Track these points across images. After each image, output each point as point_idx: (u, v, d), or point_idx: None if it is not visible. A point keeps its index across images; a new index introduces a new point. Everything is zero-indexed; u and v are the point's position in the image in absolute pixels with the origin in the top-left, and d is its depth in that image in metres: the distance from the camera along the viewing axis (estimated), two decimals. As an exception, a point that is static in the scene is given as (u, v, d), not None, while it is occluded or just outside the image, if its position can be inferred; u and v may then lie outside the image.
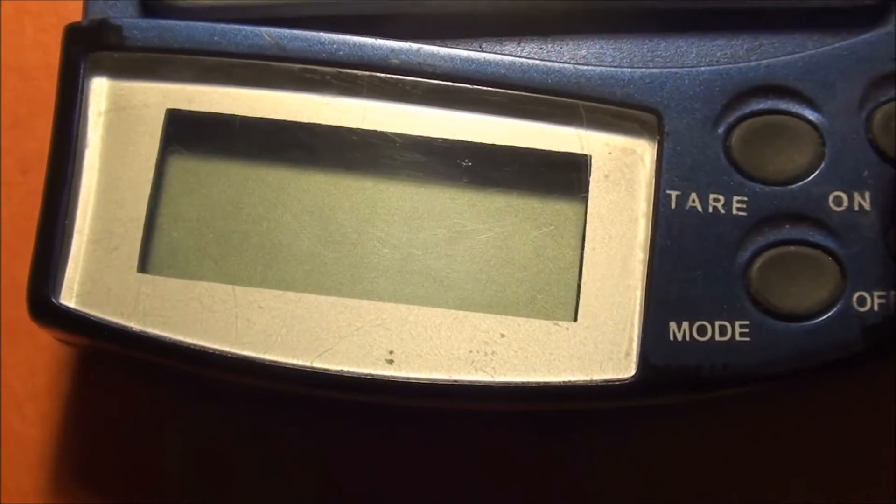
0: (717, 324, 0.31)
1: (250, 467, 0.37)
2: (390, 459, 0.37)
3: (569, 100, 0.33)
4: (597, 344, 0.32)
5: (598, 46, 0.34)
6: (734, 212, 0.32)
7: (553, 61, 0.33)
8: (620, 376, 0.31)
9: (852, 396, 0.36)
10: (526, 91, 0.33)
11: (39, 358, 0.38)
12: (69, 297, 0.32)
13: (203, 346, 0.32)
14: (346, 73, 0.33)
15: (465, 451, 0.37)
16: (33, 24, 0.41)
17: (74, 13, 0.35)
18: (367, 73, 0.33)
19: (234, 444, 0.37)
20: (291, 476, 0.37)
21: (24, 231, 0.37)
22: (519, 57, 0.33)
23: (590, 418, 0.36)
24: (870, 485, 0.36)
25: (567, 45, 0.35)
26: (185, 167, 0.33)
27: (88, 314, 0.32)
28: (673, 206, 0.32)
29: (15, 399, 0.38)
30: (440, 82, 0.33)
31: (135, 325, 0.32)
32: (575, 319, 0.32)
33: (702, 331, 0.31)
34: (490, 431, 0.37)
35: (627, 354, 0.32)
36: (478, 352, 0.32)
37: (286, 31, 0.33)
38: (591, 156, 0.33)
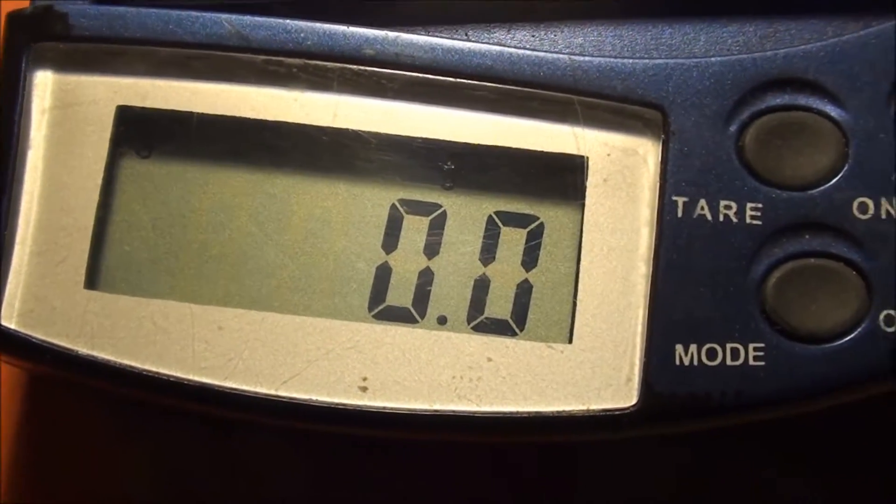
0: (729, 346, 0.29)
1: (211, 493, 0.35)
2: (366, 483, 0.35)
3: (563, 95, 0.30)
4: (594, 369, 0.30)
5: (595, 34, 0.32)
6: (748, 220, 0.30)
7: (546, 52, 0.31)
8: (621, 405, 0.29)
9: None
10: (516, 85, 0.30)
11: (-14, 378, 0.36)
12: (9, 316, 0.30)
13: (156, 372, 0.30)
14: (315, 66, 0.31)
15: (448, 476, 0.35)
16: (-20, 8, 0.38)
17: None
18: (339, 64, 0.31)
19: (193, 468, 0.35)
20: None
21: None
22: (508, 47, 0.31)
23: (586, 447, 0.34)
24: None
25: (562, 32, 0.32)
26: (137, 170, 0.31)
27: (30, 336, 0.30)
28: (679, 213, 0.30)
29: (-39, 421, 0.36)
30: (420, 75, 0.30)
31: (81, 349, 0.30)
32: (570, 341, 0.30)
33: (711, 354, 0.29)
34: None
35: (629, 380, 0.29)
36: (461, 378, 0.30)
37: (249, 19, 0.31)
38: (588, 157, 0.31)
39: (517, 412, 0.29)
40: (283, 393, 0.29)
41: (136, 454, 0.35)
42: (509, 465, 0.35)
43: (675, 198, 0.30)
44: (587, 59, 0.30)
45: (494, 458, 0.35)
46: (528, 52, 0.30)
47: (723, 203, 0.30)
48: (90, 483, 0.35)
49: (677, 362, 0.29)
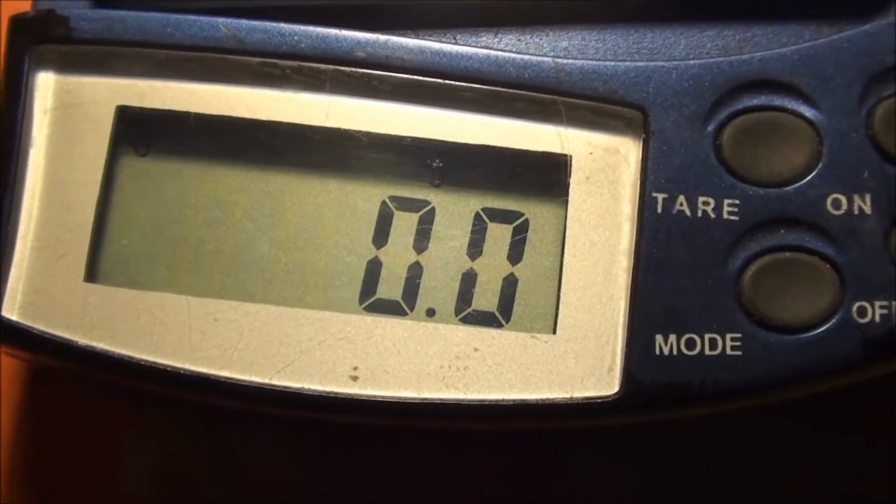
0: (707, 336, 0.30)
1: (211, 483, 0.36)
2: (362, 474, 0.36)
3: (548, 96, 0.31)
4: (577, 358, 0.30)
5: (580, 38, 0.33)
6: (725, 216, 0.30)
7: (531, 55, 0.31)
8: (603, 393, 0.30)
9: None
10: (502, 86, 0.31)
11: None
12: (11, 308, 0.31)
13: (154, 362, 0.30)
14: (309, 67, 0.31)
15: (442, 467, 0.35)
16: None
17: (26, 3, 0.33)
18: (331, 66, 0.31)
19: (194, 459, 0.36)
20: (256, 494, 0.35)
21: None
22: (495, 50, 0.31)
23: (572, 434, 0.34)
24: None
25: (547, 36, 0.33)
26: (136, 168, 0.32)
27: (31, 327, 0.30)
28: (659, 209, 0.30)
29: (-38, 414, 0.36)
30: (410, 77, 0.31)
31: (81, 339, 0.30)
32: (554, 332, 0.30)
33: (690, 344, 0.30)
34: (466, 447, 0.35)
35: (610, 370, 0.30)
36: (449, 367, 0.30)
37: (244, 23, 0.31)
38: (571, 156, 0.31)
39: (503, 399, 0.30)
40: (276, 382, 0.30)
41: (132, 446, 0.36)
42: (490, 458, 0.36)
43: (655, 194, 0.30)
44: (571, 61, 0.31)
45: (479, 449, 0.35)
46: (514, 55, 0.31)
47: (701, 199, 0.30)
48: (89, 476, 0.36)
49: (657, 352, 0.30)
